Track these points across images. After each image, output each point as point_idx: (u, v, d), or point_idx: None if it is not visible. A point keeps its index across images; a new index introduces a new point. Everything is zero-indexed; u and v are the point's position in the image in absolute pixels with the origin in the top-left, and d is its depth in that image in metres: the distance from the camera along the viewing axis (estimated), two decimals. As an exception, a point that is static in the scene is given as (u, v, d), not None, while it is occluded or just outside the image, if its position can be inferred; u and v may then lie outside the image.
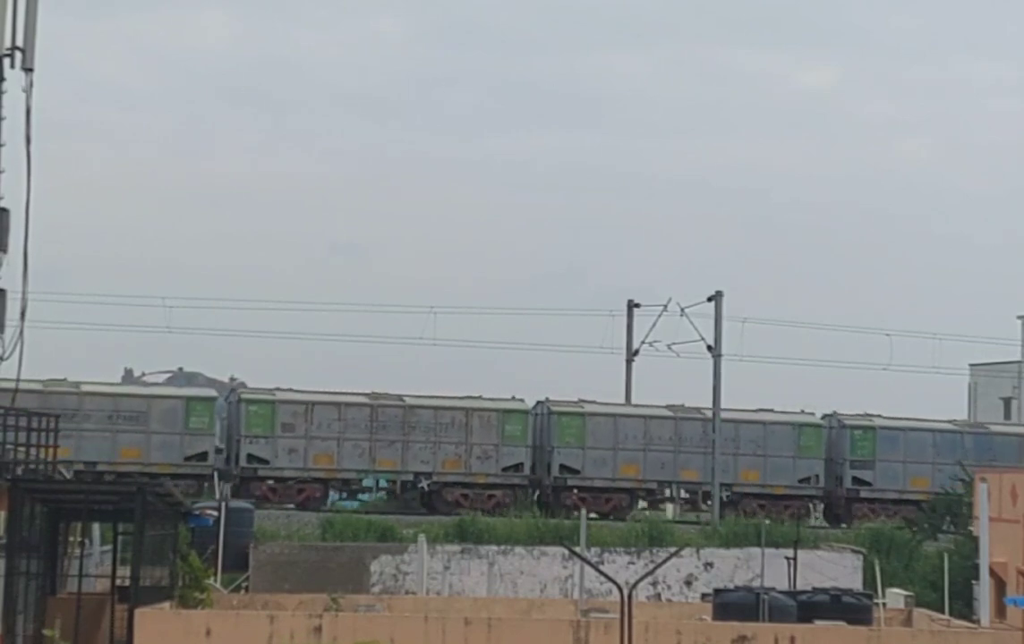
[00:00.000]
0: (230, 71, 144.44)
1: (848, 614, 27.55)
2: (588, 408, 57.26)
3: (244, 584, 34.93)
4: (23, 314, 26.48)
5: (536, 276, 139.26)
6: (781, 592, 29.00)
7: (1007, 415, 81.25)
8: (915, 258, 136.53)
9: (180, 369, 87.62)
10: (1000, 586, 30.51)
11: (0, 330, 26.49)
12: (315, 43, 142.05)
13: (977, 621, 29.70)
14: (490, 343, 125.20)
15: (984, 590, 29.24)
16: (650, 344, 64.14)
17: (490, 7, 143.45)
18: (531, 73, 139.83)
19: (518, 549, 38.30)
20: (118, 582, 28.56)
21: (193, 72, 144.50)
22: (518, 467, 55.85)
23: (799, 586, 32.20)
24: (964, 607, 34.65)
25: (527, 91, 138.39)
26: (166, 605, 27.27)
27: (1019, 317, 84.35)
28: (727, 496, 57.24)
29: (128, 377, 77.25)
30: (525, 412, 56.51)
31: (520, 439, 55.84)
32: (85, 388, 53.16)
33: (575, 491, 55.90)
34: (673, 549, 34.95)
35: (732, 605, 27.81)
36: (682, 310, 61.17)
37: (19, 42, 26.90)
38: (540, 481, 56.57)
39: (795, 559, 33.73)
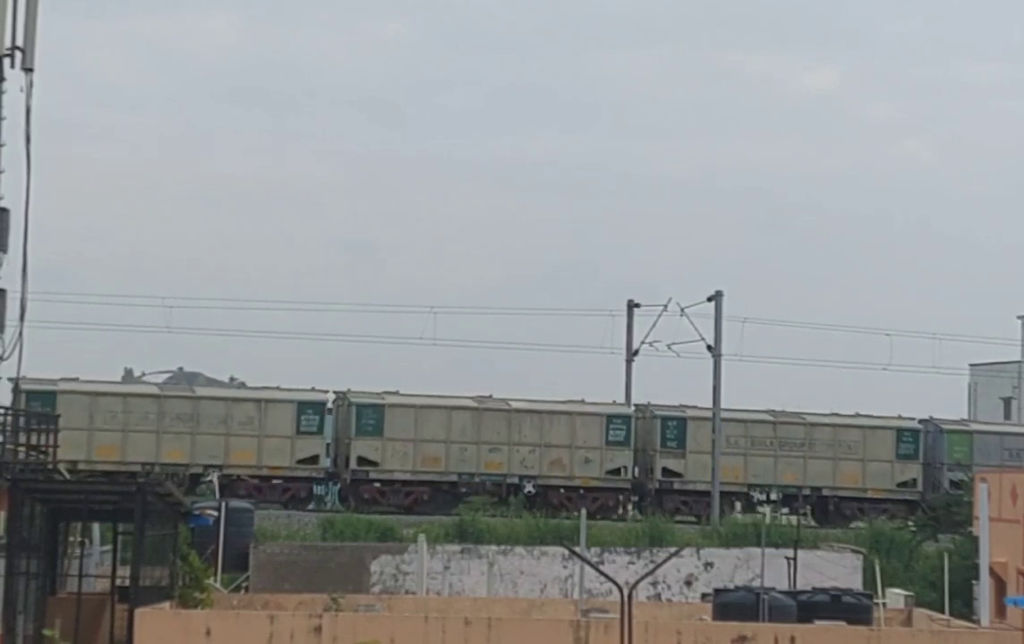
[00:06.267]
0: (232, 72, 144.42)
1: (848, 614, 27.53)
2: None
3: (244, 584, 34.94)
4: (23, 314, 26.53)
5: (537, 276, 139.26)
6: (781, 592, 28.97)
7: (1007, 415, 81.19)
8: (915, 258, 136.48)
9: (180, 369, 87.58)
10: (1000, 586, 30.48)
11: (0, 330, 26.53)
12: (318, 45, 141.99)
13: (977, 621, 29.71)
14: (490, 343, 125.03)
15: (984, 590, 29.24)
16: (650, 344, 64.14)
17: (493, 9, 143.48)
18: (534, 74, 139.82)
19: (518, 549, 38.30)
20: (118, 582, 28.55)
21: (195, 73, 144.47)
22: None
23: (799, 586, 32.17)
24: (964, 607, 34.64)
25: (530, 92, 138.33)
26: (166, 605, 27.25)
27: (1019, 317, 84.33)
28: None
29: (128, 377, 77.15)
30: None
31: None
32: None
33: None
34: (673, 549, 34.94)
35: (732, 605, 27.79)
36: (682, 310, 61.28)
37: (19, 42, 26.97)
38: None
39: (795, 559, 33.71)
